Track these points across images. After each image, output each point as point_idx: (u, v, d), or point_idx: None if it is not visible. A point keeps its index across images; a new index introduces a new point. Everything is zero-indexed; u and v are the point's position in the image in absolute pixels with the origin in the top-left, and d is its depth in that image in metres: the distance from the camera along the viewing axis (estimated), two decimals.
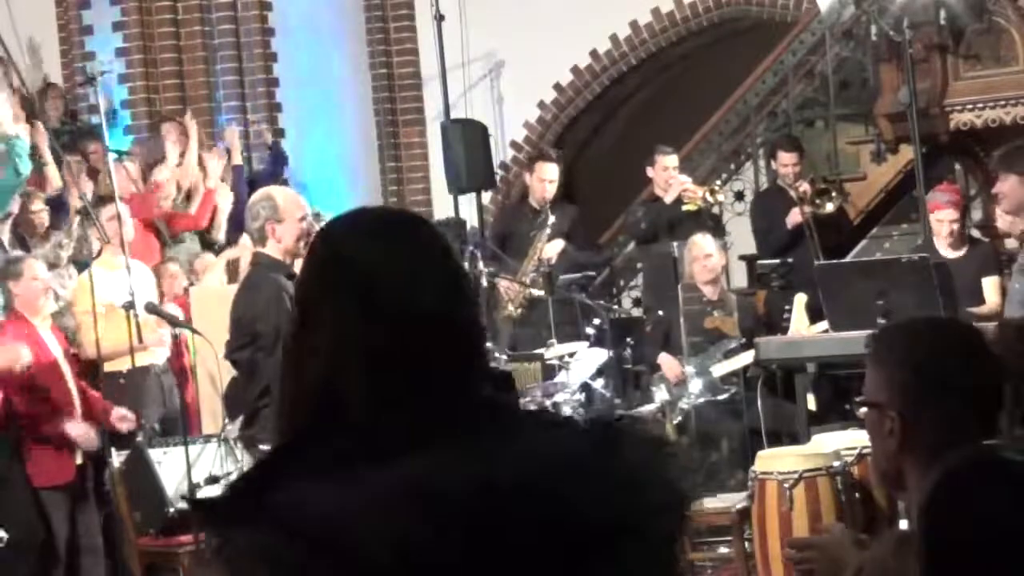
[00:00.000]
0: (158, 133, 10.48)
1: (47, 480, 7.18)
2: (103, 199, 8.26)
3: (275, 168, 11.05)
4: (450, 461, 1.67)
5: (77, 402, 7.31)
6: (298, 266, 5.82)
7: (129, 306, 7.32)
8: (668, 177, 9.58)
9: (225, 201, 9.78)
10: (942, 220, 7.81)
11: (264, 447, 5.70)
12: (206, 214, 9.68)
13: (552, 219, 9.41)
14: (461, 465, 1.67)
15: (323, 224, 1.96)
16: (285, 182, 11.44)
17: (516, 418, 1.81)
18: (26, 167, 7.80)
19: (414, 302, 1.75)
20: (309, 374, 1.76)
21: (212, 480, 6.92)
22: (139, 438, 7.31)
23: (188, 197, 9.76)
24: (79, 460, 7.28)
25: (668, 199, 9.51)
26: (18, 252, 7.89)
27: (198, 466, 6.89)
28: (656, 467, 1.77)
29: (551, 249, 9.41)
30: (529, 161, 10.12)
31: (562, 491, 1.68)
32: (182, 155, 9.99)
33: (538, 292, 9.16)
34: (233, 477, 1.95)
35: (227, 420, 7.13)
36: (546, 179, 9.53)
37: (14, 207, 8.24)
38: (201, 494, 6.75)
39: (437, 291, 1.78)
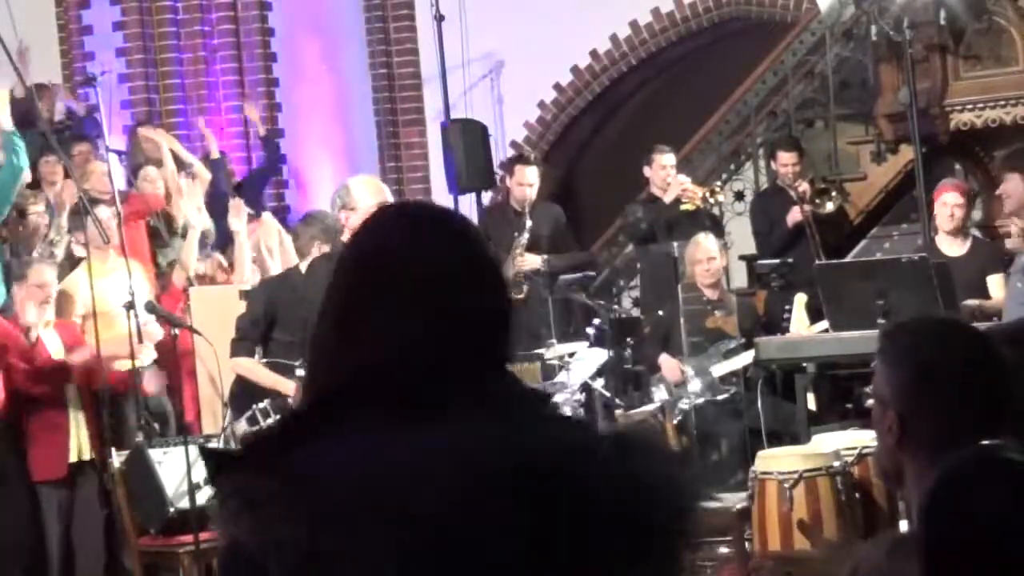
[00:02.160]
0: (136, 137, 10.43)
1: (42, 475, 7.20)
2: (95, 199, 8.24)
3: (270, 164, 11.04)
4: (491, 436, 1.69)
5: (74, 400, 7.32)
6: None
7: (129, 306, 7.32)
8: (666, 176, 9.56)
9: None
10: (947, 203, 7.80)
11: None
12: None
13: (530, 223, 9.32)
14: (501, 440, 1.69)
15: (360, 218, 2.00)
16: (284, 182, 11.48)
17: (546, 409, 1.84)
18: (24, 161, 7.79)
19: (455, 295, 1.78)
20: (344, 363, 1.77)
21: None
22: (139, 438, 7.30)
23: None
24: (72, 458, 7.29)
25: (667, 199, 9.50)
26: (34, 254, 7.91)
27: (198, 466, 6.89)
28: (669, 472, 1.80)
29: (529, 262, 9.31)
30: (508, 164, 10.07)
31: (591, 482, 1.70)
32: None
33: (519, 296, 9.09)
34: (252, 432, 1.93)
35: (228, 420, 7.14)
36: (525, 182, 9.42)
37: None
38: (201, 495, 6.76)
39: (476, 283, 1.81)
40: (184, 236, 8.95)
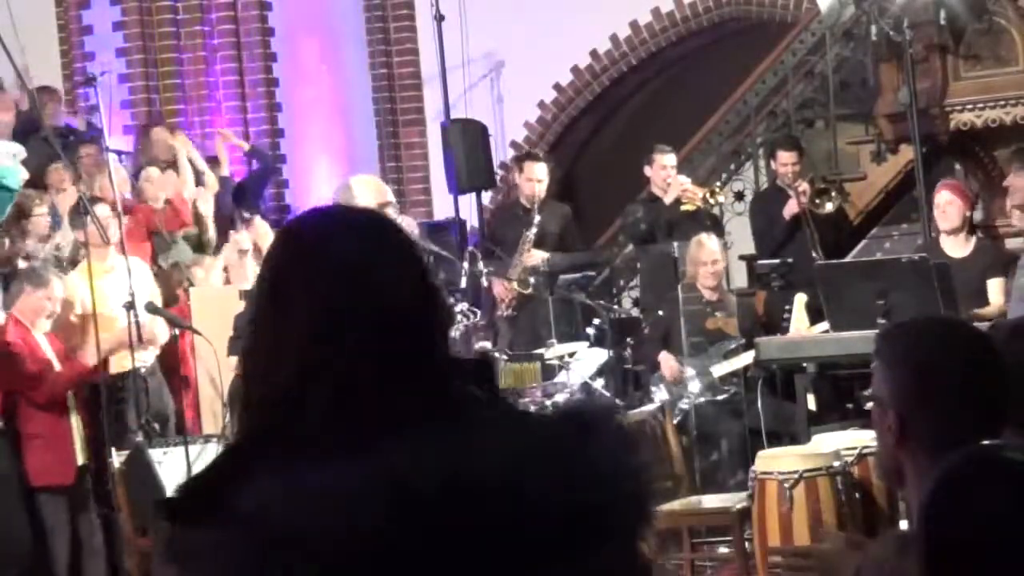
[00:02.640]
0: (147, 137, 10.45)
1: (47, 480, 7.19)
2: (96, 199, 8.24)
3: (266, 167, 11.03)
4: (417, 454, 1.67)
5: (72, 404, 7.32)
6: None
7: (129, 306, 7.32)
8: (666, 176, 9.57)
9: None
10: (938, 203, 7.82)
11: None
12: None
13: (538, 218, 9.37)
14: (427, 458, 1.66)
15: (289, 220, 1.97)
16: (284, 182, 11.48)
17: (485, 411, 1.79)
18: (17, 183, 7.81)
19: (388, 296, 1.76)
20: (279, 370, 1.75)
21: None
22: (139, 438, 7.30)
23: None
24: (80, 461, 7.29)
25: (667, 199, 9.50)
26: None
27: (198, 466, 6.89)
28: (621, 460, 1.77)
29: (534, 257, 9.35)
30: (517, 161, 10.10)
31: (526, 487, 1.68)
32: (172, 165, 9.97)
33: (526, 291, 9.15)
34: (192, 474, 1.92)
35: (227, 420, 7.14)
36: (534, 178, 9.50)
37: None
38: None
39: (409, 285, 1.78)
40: (202, 248, 9.07)
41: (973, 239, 7.99)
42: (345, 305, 1.74)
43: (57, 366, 7.30)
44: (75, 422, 7.34)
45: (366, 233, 1.82)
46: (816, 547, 2.89)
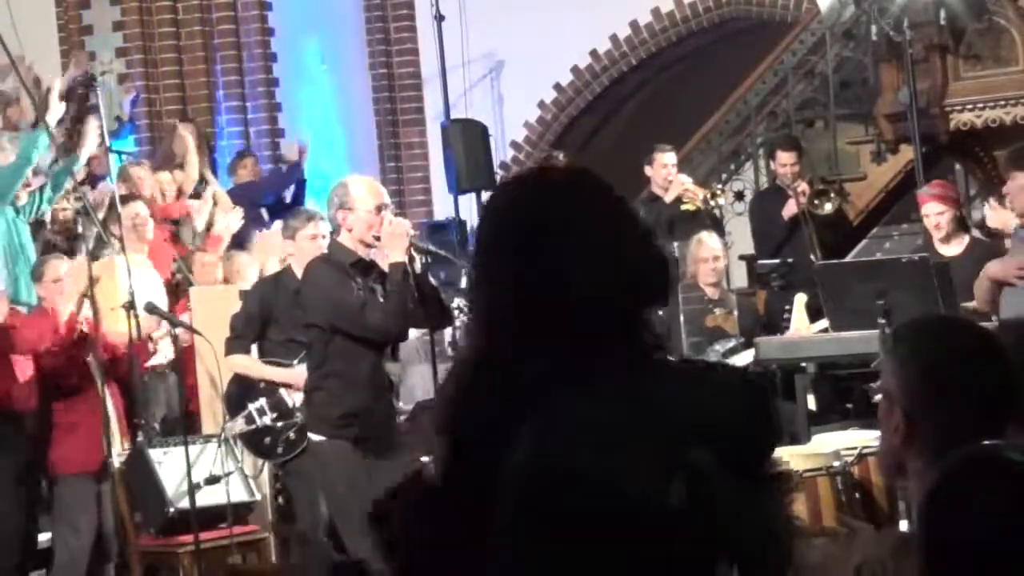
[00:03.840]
0: (171, 134, 10.46)
1: (74, 467, 7.18)
2: (124, 199, 8.34)
3: (284, 178, 11.00)
4: (661, 391, 1.75)
5: (105, 394, 7.33)
6: (371, 255, 6.01)
7: (129, 306, 7.32)
8: (667, 175, 9.57)
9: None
10: (927, 215, 7.79)
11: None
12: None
13: None
14: (672, 400, 1.73)
15: (503, 182, 2.11)
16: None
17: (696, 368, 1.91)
18: (32, 159, 7.99)
19: (607, 268, 1.88)
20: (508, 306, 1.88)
21: (212, 480, 6.92)
22: (140, 438, 7.30)
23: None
24: (106, 451, 7.31)
25: (668, 198, 9.50)
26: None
27: (198, 466, 6.89)
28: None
29: None
30: (539, 162, 10.11)
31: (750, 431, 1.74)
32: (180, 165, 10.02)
33: None
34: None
35: (227, 420, 7.14)
36: None
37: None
38: (201, 495, 6.76)
39: (631, 250, 1.93)
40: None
41: (966, 237, 7.97)
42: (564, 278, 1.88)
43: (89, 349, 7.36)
44: (110, 412, 7.35)
45: (587, 201, 1.99)
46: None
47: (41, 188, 8.57)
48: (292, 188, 10.78)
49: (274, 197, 10.71)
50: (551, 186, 1.99)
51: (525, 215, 1.93)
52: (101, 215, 8.33)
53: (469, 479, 1.83)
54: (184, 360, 7.96)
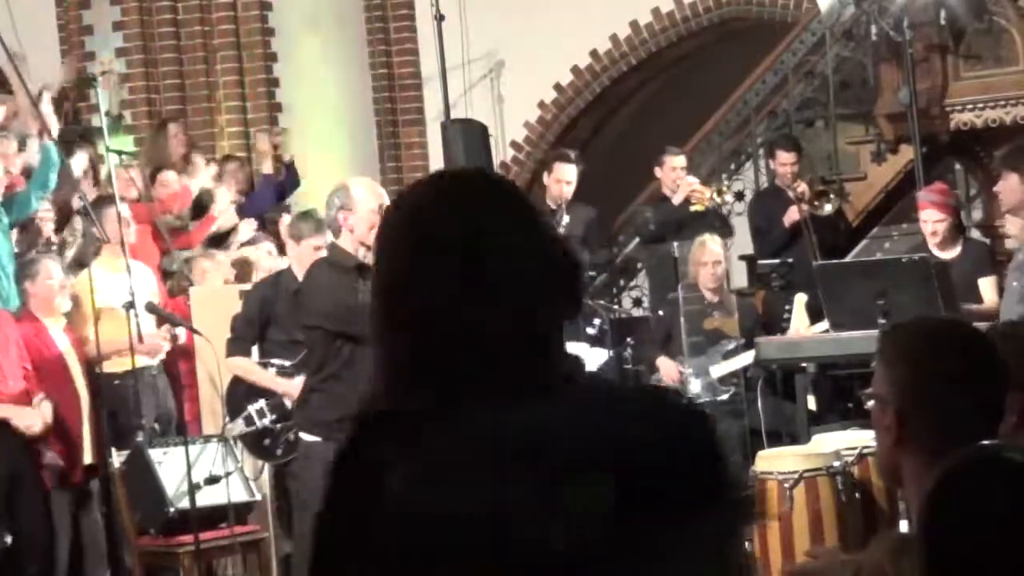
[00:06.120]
0: (163, 134, 10.45)
1: (56, 479, 7.19)
2: (103, 199, 8.25)
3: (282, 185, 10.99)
4: (555, 418, 1.62)
5: (86, 401, 7.33)
6: (369, 258, 6.00)
7: (129, 306, 7.32)
8: (676, 177, 9.58)
9: (228, 222, 9.71)
10: (925, 221, 7.77)
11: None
12: (202, 237, 9.56)
13: (567, 219, 9.36)
14: (568, 426, 1.61)
15: (399, 193, 1.89)
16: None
17: (610, 387, 1.80)
18: (49, 184, 7.97)
19: (515, 268, 1.71)
20: (404, 343, 1.70)
21: (212, 480, 6.92)
22: (139, 438, 7.31)
23: (195, 215, 9.66)
24: (88, 460, 7.31)
25: (676, 200, 9.50)
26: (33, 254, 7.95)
27: (198, 466, 6.89)
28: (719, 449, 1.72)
29: None
30: (547, 161, 10.10)
31: (655, 461, 1.62)
32: (185, 157, 10.01)
33: None
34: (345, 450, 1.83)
35: (227, 420, 7.14)
36: (563, 180, 9.49)
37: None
38: (201, 495, 6.76)
39: (537, 252, 1.73)
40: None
41: (960, 238, 7.96)
42: (476, 282, 1.69)
43: (72, 362, 7.33)
44: (88, 422, 7.36)
45: (491, 204, 1.76)
46: (814, 564, 2.89)
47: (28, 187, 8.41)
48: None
49: (274, 203, 10.78)
50: (452, 199, 1.77)
51: (440, 237, 1.72)
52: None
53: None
54: (181, 362, 7.96)
